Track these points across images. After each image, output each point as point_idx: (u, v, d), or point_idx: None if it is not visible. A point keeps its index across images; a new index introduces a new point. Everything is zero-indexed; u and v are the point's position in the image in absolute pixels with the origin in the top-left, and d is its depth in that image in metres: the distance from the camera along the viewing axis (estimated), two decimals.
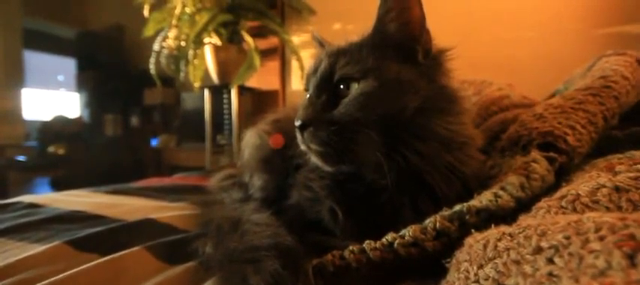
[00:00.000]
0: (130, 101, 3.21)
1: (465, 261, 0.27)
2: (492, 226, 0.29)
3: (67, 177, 2.82)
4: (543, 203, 0.31)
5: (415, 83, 0.43)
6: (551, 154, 0.41)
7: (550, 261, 0.21)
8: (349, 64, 0.45)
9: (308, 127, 0.44)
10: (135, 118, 3.26)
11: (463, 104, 0.48)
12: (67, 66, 3.67)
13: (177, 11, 1.80)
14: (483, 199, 0.35)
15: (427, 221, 0.35)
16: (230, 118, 2.20)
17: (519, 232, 0.24)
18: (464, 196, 0.40)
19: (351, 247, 0.35)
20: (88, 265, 0.41)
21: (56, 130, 3.01)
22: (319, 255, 0.37)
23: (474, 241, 0.28)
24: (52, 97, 3.85)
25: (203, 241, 0.46)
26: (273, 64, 2.45)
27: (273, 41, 2.40)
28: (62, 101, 3.86)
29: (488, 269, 0.24)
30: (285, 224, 0.41)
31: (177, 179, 1.13)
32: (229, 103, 2.18)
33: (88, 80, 3.37)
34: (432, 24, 0.45)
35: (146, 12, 1.93)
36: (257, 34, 2.15)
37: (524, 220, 0.30)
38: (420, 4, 0.44)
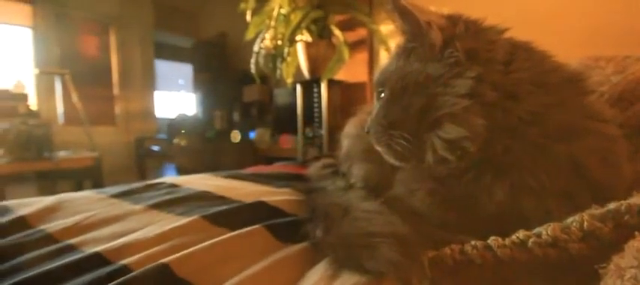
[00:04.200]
0: (232, 99, 3.63)
1: (632, 267, 0.23)
2: None
3: (187, 164, 3.36)
4: None
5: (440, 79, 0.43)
6: None
7: None
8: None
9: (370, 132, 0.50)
10: (236, 113, 3.68)
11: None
12: (185, 71, 4.36)
13: (275, 13, 1.95)
14: None
15: (569, 220, 0.30)
16: (320, 111, 2.28)
17: None
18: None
19: (473, 242, 0.33)
20: (222, 237, 0.48)
21: (179, 125, 3.61)
22: (434, 248, 0.35)
23: None
24: (175, 98, 4.64)
25: (312, 225, 0.49)
26: (362, 56, 2.44)
27: (361, 33, 2.39)
28: (183, 101, 4.64)
29: None
30: (396, 214, 0.41)
31: (278, 167, 1.23)
32: (319, 97, 2.26)
33: (201, 82, 3.95)
34: None
35: (248, 17, 2.13)
36: (345, 26, 2.17)
37: None
38: None
